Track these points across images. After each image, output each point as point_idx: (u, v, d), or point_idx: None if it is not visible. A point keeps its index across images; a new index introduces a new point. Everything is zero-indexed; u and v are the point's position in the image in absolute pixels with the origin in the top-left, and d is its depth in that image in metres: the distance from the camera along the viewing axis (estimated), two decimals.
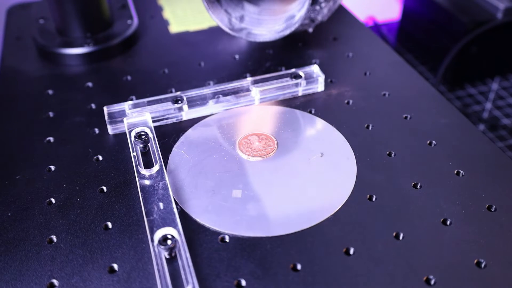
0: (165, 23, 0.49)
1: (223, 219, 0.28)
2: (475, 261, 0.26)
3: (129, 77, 0.41)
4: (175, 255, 0.25)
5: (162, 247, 0.25)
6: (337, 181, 0.30)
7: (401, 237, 0.27)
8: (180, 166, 0.32)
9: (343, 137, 0.34)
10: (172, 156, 0.32)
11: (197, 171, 0.31)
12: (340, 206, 0.29)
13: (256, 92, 0.37)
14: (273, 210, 0.29)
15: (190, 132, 0.34)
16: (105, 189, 0.30)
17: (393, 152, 0.32)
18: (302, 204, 0.29)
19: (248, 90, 0.37)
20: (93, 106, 0.37)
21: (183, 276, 0.24)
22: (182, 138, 0.34)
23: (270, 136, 0.34)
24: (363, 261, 0.26)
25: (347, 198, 0.29)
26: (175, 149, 0.33)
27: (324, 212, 0.28)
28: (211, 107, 0.36)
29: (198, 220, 0.28)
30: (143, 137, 0.32)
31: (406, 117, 0.36)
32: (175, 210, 0.28)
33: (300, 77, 0.37)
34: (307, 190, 0.30)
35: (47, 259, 0.26)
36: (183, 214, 0.28)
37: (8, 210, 0.29)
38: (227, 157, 0.32)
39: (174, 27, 0.48)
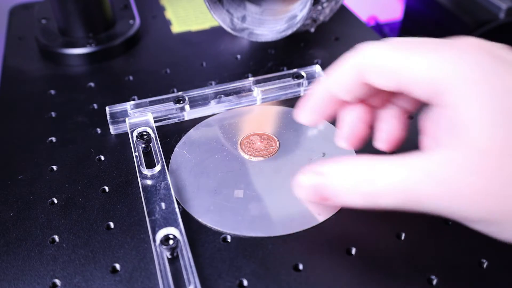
0: (167, 23, 0.49)
1: (225, 219, 0.28)
2: (478, 261, 0.26)
3: (131, 77, 0.41)
4: (177, 255, 0.25)
5: (164, 247, 0.25)
6: None
7: (402, 237, 0.27)
8: (182, 166, 0.32)
9: None
10: (174, 156, 0.32)
11: (199, 171, 0.31)
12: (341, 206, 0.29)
13: (258, 92, 0.37)
14: (275, 210, 0.29)
15: (192, 132, 0.34)
16: (107, 189, 0.30)
17: (395, 152, 0.32)
18: (303, 204, 0.29)
19: (250, 90, 0.37)
20: (95, 106, 0.37)
21: (185, 276, 0.24)
22: (184, 138, 0.34)
23: (272, 136, 0.34)
24: (365, 261, 0.26)
25: None
26: (177, 149, 0.33)
27: (325, 212, 0.28)
28: (213, 107, 0.36)
29: (200, 220, 0.28)
30: (145, 137, 0.32)
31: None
32: (177, 210, 0.28)
33: (302, 77, 0.37)
34: None
35: (49, 259, 0.26)
36: (185, 214, 0.28)
37: (11, 210, 0.29)
38: (229, 157, 0.32)
39: (176, 27, 0.48)
